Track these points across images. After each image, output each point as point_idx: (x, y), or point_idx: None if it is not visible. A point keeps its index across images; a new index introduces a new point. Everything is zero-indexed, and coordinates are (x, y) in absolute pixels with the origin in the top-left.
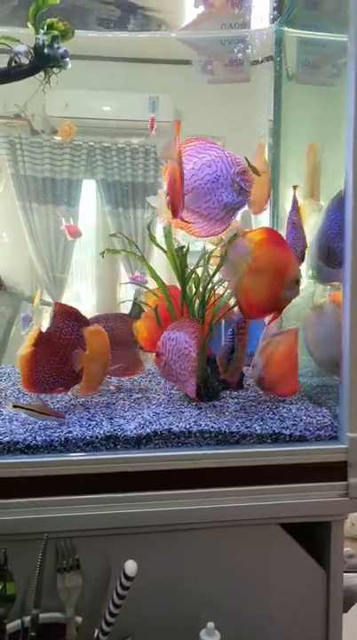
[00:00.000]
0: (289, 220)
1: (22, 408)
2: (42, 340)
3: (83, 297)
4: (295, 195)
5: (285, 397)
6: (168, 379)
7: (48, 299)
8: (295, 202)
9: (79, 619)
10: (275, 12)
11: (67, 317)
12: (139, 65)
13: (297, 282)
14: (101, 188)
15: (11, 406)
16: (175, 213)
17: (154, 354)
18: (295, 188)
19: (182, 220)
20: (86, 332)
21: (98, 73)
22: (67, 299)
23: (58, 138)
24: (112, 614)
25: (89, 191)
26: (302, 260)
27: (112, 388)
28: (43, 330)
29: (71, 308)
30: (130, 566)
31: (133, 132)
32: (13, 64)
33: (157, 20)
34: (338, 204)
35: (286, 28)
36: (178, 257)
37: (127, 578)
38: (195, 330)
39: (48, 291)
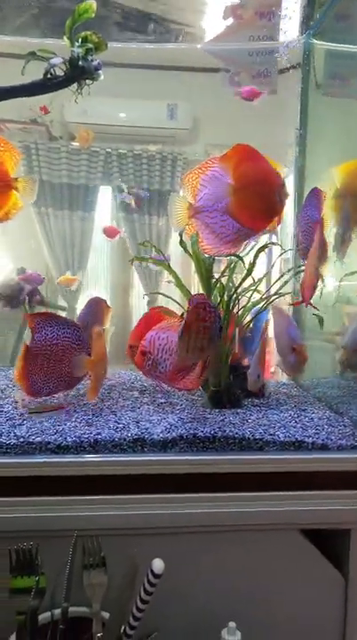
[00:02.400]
0: (303, 216)
1: (38, 412)
2: (29, 355)
3: None
4: (318, 193)
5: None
6: (152, 376)
7: (63, 304)
8: (314, 202)
9: (105, 614)
10: (304, 25)
11: (47, 325)
12: (158, 72)
13: (284, 184)
14: (117, 194)
15: (28, 412)
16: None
17: None
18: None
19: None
20: (92, 335)
21: (117, 80)
22: (83, 303)
23: (75, 144)
24: (140, 610)
25: (105, 197)
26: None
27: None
28: (28, 344)
29: (46, 314)
30: (158, 564)
31: (151, 140)
32: (49, 76)
33: (177, 29)
34: (308, 200)
35: (315, 41)
36: (205, 266)
37: (155, 575)
38: None
39: (63, 296)
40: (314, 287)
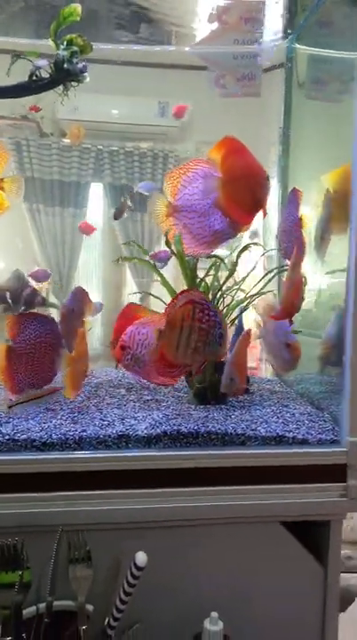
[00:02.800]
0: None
1: (18, 404)
2: (11, 355)
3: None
4: (297, 193)
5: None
6: (131, 371)
7: (55, 301)
8: (295, 202)
9: (90, 607)
10: (287, 29)
11: (27, 324)
12: (149, 70)
13: (268, 178)
14: (108, 192)
15: (7, 407)
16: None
17: None
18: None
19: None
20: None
21: (108, 77)
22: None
23: (67, 140)
24: (123, 602)
25: (96, 194)
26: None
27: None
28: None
29: (27, 314)
30: (141, 557)
31: (142, 137)
32: (34, 77)
33: (167, 28)
34: (289, 200)
35: (297, 45)
36: (189, 265)
37: (137, 568)
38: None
39: (54, 293)
40: (295, 305)
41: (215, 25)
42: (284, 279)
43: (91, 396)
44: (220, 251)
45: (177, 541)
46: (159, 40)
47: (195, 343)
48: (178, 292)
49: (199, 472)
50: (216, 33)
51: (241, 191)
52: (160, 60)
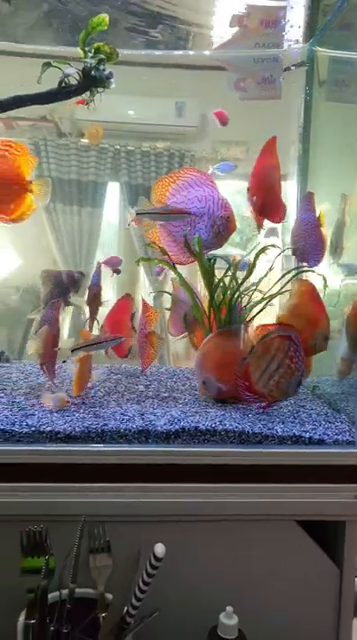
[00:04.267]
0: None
1: (80, 348)
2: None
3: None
4: (310, 196)
5: None
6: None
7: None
8: (309, 206)
9: (109, 596)
10: (308, 32)
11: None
12: (166, 70)
13: (327, 338)
14: (125, 191)
15: (70, 351)
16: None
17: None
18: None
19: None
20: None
21: (125, 77)
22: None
23: (85, 140)
24: (142, 591)
25: (113, 194)
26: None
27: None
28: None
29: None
30: (160, 549)
31: (159, 137)
32: (63, 85)
33: (186, 30)
34: (302, 203)
35: (318, 48)
36: (208, 266)
37: (156, 559)
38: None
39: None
40: None
41: (236, 29)
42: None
43: (111, 392)
44: (237, 251)
45: (194, 535)
46: (174, 42)
47: (279, 377)
48: (194, 290)
49: (216, 469)
50: (237, 36)
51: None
52: (176, 60)
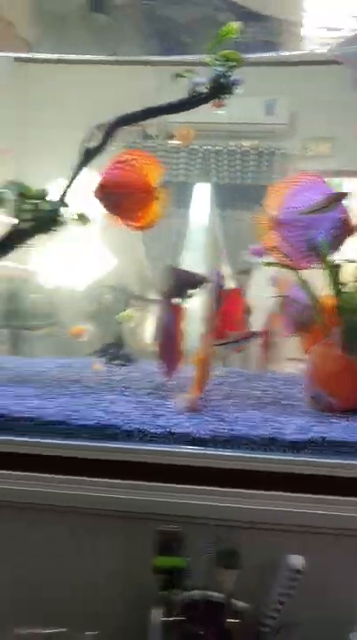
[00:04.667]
0: None
1: (223, 344)
2: None
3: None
4: None
5: None
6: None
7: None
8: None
9: (237, 602)
10: None
11: None
12: (254, 68)
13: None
14: (213, 191)
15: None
16: None
17: None
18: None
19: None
20: None
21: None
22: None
23: (174, 142)
24: (281, 603)
25: (202, 194)
26: None
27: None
28: None
29: None
30: (297, 561)
31: (249, 136)
32: (194, 94)
33: (282, 29)
34: None
35: None
36: (334, 272)
37: (297, 571)
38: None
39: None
40: None
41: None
42: None
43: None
44: None
45: (335, 549)
46: (266, 39)
47: None
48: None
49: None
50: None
51: None
52: (265, 58)
